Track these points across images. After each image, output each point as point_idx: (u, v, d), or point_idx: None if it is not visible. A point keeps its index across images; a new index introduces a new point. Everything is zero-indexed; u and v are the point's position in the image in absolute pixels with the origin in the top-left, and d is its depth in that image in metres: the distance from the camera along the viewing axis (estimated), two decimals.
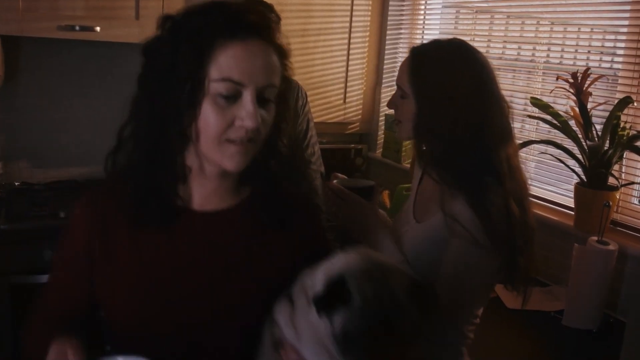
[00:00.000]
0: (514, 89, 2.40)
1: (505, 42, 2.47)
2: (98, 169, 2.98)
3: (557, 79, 2.06)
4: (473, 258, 1.29)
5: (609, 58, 2.08)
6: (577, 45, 2.18)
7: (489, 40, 2.55)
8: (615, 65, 2.04)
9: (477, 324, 1.46)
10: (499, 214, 1.26)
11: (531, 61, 2.33)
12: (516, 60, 2.41)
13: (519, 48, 2.40)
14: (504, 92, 1.33)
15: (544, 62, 2.27)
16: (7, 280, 2.28)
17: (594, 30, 2.10)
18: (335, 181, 1.51)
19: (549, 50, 2.26)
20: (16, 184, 2.75)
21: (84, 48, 2.81)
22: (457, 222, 1.28)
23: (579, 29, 2.16)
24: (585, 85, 1.95)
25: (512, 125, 1.37)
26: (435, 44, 1.41)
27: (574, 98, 1.98)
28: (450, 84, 1.31)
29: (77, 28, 2.37)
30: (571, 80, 1.97)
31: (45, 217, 2.40)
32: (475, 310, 1.42)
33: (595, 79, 1.96)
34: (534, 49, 2.31)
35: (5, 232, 2.29)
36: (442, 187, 1.35)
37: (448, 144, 1.31)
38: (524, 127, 2.38)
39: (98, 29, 2.40)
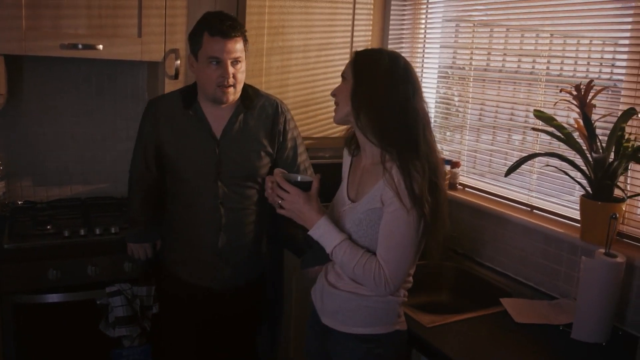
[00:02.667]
0: (515, 101, 2.40)
1: (505, 54, 2.48)
2: (100, 186, 3.05)
3: (560, 91, 2.06)
4: (401, 219, 1.56)
5: (608, 70, 2.07)
6: (576, 57, 2.18)
7: (489, 53, 2.56)
8: (617, 77, 2.04)
9: (411, 281, 1.73)
10: (417, 180, 1.54)
11: (531, 73, 2.33)
12: (516, 72, 2.42)
13: (519, 60, 2.41)
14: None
15: (545, 75, 2.27)
16: (10, 299, 2.27)
17: (593, 42, 2.10)
18: (280, 175, 1.68)
19: (548, 62, 2.26)
20: (19, 202, 2.75)
21: (86, 66, 2.83)
22: (393, 183, 1.56)
23: (578, 41, 2.16)
24: (589, 98, 1.95)
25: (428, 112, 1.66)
26: (376, 48, 1.75)
27: (577, 110, 1.97)
28: (385, 65, 1.60)
29: (80, 46, 2.37)
30: (574, 93, 1.97)
31: (49, 235, 2.40)
32: (410, 270, 1.68)
33: (599, 91, 1.96)
34: (534, 61, 2.31)
35: (9, 251, 2.29)
36: (382, 154, 1.61)
37: (383, 111, 1.58)
38: (525, 139, 2.37)
39: (101, 47, 2.40)
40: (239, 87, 2.12)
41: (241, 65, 2.09)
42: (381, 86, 1.59)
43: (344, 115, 1.66)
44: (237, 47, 2.05)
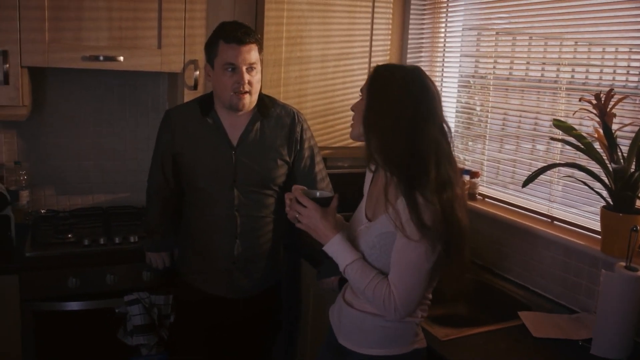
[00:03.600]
0: (537, 110, 2.36)
1: (528, 62, 2.43)
2: (122, 195, 3.09)
3: (580, 100, 2.01)
4: (409, 248, 1.51)
5: (635, 78, 2.01)
6: (602, 65, 2.12)
7: (511, 62, 2.52)
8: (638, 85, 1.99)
9: (428, 304, 1.68)
10: (430, 209, 1.47)
11: (555, 82, 2.28)
12: (539, 81, 2.37)
13: (543, 69, 2.36)
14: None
15: (569, 83, 2.22)
16: (31, 306, 2.31)
17: (619, 50, 2.05)
18: (300, 191, 1.68)
19: (573, 71, 2.21)
20: (42, 211, 2.80)
21: (108, 77, 2.88)
22: (397, 215, 1.51)
23: (604, 49, 2.11)
24: (609, 107, 1.90)
25: (450, 143, 1.58)
26: (397, 64, 1.70)
27: (598, 119, 1.93)
28: (398, 87, 1.54)
29: (101, 58, 2.42)
30: (594, 102, 1.92)
31: (69, 244, 2.44)
32: (425, 293, 1.63)
33: (620, 100, 1.91)
34: (558, 70, 2.27)
35: (30, 259, 2.33)
36: (388, 180, 1.58)
37: (391, 135, 1.52)
38: (549, 149, 2.32)
39: (121, 58, 2.44)
40: (255, 94, 2.14)
41: (256, 72, 2.12)
42: (392, 108, 1.54)
43: (358, 133, 1.64)
44: (252, 53, 2.09)
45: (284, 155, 2.22)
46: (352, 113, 1.68)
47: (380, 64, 1.65)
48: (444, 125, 1.58)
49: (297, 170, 2.26)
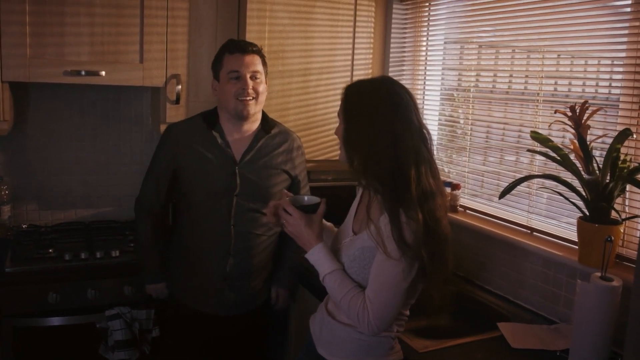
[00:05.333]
0: (521, 122, 2.36)
1: (511, 75, 2.45)
2: (104, 210, 3.07)
3: (555, 112, 2.04)
4: (388, 265, 1.52)
5: (617, 91, 2.02)
6: (584, 77, 2.14)
7: (494, 75, 2.54)
8: (617, 97, 2.01)
9: (405, 319, 1.70)
10: (411, 228, 1.48)
11: (537, 94, 2.30)
12: (522, 94, 2.39)
13: (526, 82, 2.37)
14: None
15: (551, 96, 2.23)
16: (10, 322, 2.29)
17: (601, 62, 2.07)
18: (287, 198, 1.70)
19: (556, 83, 2.23)
20: (23, 226, 2.79)
21: (91, 91, 2.88)
22: (378, 232, 1.52)
23: (586, 61, 2.12)
24: (584, 118, 1.92)
25: (431, 149, 1.58)
26: (365, 79, 1.70)
27: (573, 131, 1.95)
28: (369, 104, 1.55)
29: (83, 73, 2.42)
30: (569, 114, 1.94)
31: (50, 259, 2.43)
32: (402, 309, 1.65)
33: (594, 112, 1.94)
34: (541, 82, 2.28)
35: (10, 275, 2.31)
36: (372, 198, 1.59)
37: (372, 149, 1.53)
38: (532, 161, 2.33)
39: (103, 73, 2.45)
40: (260, 103, 2.20)
41: (260, 82, 2.18)
42: (368, 123, 1.54)
43: (345, 156, 1.65)
44: (255, 62, 2.16)
45: (286, 172, 2.28)
46: (333, 125, 1.70)
47: (348, 83, 1.66)
48: (424, 131, 1.58)
49: (296, 188, 2.32)
